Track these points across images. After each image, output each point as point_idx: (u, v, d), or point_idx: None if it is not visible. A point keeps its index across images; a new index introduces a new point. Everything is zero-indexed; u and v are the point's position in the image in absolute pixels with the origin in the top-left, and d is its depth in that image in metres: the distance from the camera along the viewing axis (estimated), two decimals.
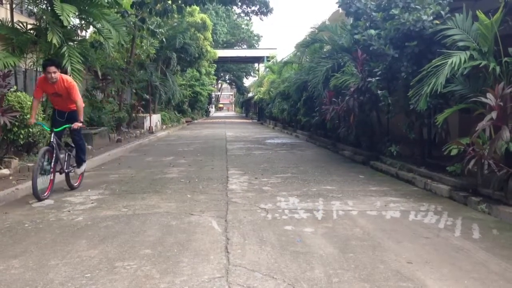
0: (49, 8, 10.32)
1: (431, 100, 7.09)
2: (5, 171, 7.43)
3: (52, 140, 6.53)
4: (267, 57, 38.44)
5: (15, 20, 10.53)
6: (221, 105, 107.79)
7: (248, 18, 52.49)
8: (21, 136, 8.08)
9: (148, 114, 20.84)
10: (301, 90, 16.06)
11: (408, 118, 8.58)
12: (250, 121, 42.29)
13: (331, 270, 3.62)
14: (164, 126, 24.14)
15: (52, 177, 6.50)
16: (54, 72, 6.46)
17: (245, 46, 56.76)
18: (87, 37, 16.20)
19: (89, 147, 11.32)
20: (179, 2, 14.99)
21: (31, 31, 10.47)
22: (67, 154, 7.03)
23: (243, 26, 57.66)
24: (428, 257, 3.92)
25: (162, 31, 20.63)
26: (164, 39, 21.27)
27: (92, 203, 6.14)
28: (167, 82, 24.09)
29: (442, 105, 7.40)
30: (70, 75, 9.72)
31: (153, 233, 4.67)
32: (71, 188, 7.01)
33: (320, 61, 12.92)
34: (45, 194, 6.27)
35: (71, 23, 11.03)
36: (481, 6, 7.04)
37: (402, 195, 6.59)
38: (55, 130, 6.61)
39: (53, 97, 6.83)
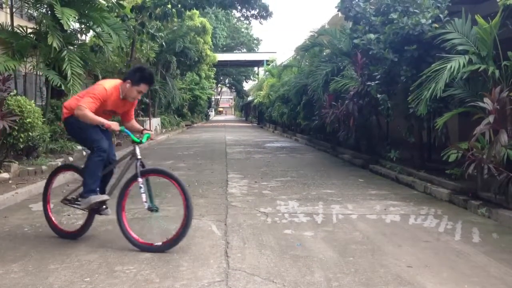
0: (49, 12, 10.37)
1: (430, 104, 7.10)
2: (5, 175, 7.42)
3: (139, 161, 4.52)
4: (267, 60, 38.47)
5: (15, 24, 10.57)
6: (220, 109, 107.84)
7: (247, 22, 52.68)
8: (21, 140, 8.08)
9: (148, 118, 20.86)
10: (300, 93, 16.09)
11: (407, 122, 8.59)
12: (250, 124, 42.31)
13: (330, 274, 3.62)
14: (164, 130, 24.15)
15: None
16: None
17: (244, 50, 56.85)
18: (87, 41, 16.24)
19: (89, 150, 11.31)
20: (179, 6, 15.05)
21: (31, 35, 10.51)
22: None
23: (242, 30, 57.75)
24: (428, 261, 3.92)
25: (162, 35, 20.67)
26: (163, 43, 21.32)
27: None
28: (167, 86, 24.12)
29: (441, 109, 7.41)
30: (70, 79, 9.76)
31: None
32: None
33: (319, 65, 12.97)
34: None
35: (71, 27, 11.08)
36: (480, 10, 7.06)
37: (402, 199, 6.59)
38: (142, 141, 4.83)
39: (102, 114, 4.74)
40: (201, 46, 27.46)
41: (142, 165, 4.51)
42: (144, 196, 4.33)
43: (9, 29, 10.30)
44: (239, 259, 3.97)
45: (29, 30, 10.61)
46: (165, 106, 27.37)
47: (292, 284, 3.41)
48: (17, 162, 8.07)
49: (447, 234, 4.79)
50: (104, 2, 12.80)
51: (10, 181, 7.36)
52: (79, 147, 10.93)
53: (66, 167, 5.61)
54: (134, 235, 4.34)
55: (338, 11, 10.25)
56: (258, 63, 47.46)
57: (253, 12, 19.39)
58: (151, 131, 4.96)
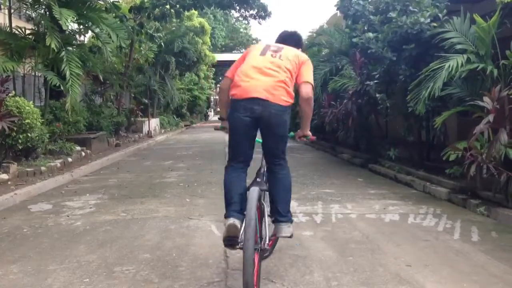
0: (47, 13, 10.36)
1: (429, 103, 7.10)
2: (4, 176, 7.41)
3: None
4: None
5: (13, 25, 10.55)
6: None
7: (246, 22, 52.73)
8: (20, 141, 8.07)
9: (147, 118, 20.83)
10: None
11: (406, 121, 8.59)
12: None
13: (330, 273, 3.61)
14: (163, 130, 24.13)
15: None
16: None
17: (243, 50, 56.77)
18: (85, 42, 16.25)
19: (88, 151, 11.32)
20: (177, 6, 15.04)
21: (30, 36, 10.50)
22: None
23: (241, 30, 57.76)
24: (427, 260, 3.92)
25: (161, 35, 20.65)
26: (162, 44, 21.29)
27: (90, 207, 6.13)
28: (166, 86, 24.10)
29: (440, 108, 7.41)
30: (69, 80, 9.76)
31: (152, 238, 4.66)
32: None
33: (318, 65, 12.94)
34: None
35: (70, 27, 11.08)
36: (478, 8, 7.06)
37: (401, 198, 6.59)
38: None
39: None
40: (199, 47, 27.42)
41: None
42: None
43: (8, 30, 10.29)
44: (238, 259, 3.95)
45: (28, 31, 10.60)
46: (164, 106, 27.37)
47: (291, 284, 3.40)
48: (16, 163, 8.06)
49: (446, 233, 4.78)
50: (102, 3, 12.79)
51: (9, 182, 7.36)
52: (78, 148, 10.91)
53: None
54: None
55: (337, 9, 10.25)
56: None
57: (251, 12, 19.38)
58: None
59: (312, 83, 3.48)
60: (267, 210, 3.53)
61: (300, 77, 3.45)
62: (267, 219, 3.44)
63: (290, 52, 3.52)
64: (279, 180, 3.64)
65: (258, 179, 3.55)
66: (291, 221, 3.55)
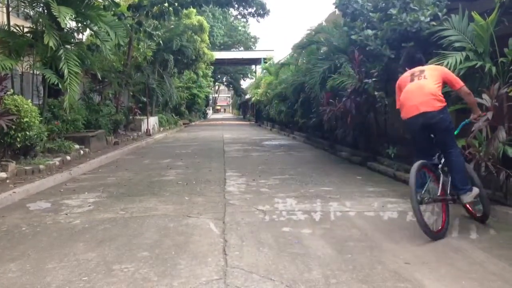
0: (45, 11, 10.35)
1: None
2: (2, 175, 7.41)
3: None
4: (264, 58, 38.44)
5: (11, 23, 10.53)
6: (218, 107, 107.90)
7: (245, 20, 52.72)
8: (18, 140, 8.07)
9: (146, 117, 20.81)
10: (298, 91, 16.06)
11: None
12: (248, 123, 42.30)
13: (328, 271, 3.62)
14: (162, 129, 24.12)
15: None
16: None
17: (242, 48, 56.79)
18: (83, 40, 16.23)
19: (86, 149, 11.31)
20: (176, 4, 15.01)
21: (28, 34, 10.48)
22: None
23: (240, 28, 57.68)
24: (425, 258, 3.92)
25: (159, 33, 20.63)
26: (161, 42, 21.27)
27: (89, 206, 6.13)
28: (164, 84, 24.09)
29: None
30: (67, 78, 9.75)
31: (150, 236, 4.66)
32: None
33: (316, 63, 12.93)
34: None
35: (68, 25, 11.07)
36: (477, 6, 7.05)
37: (399, 196, 6.59)
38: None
39: None
40: (198, 45, 27.39)
41: None
42: None
43: (6, 28, 10.27)
44: (237, 257, 3.97)
45: (26, 29, 10.58)
46: (163, 104, 27.36)
47: (290, 282, 3.41)
48: (14, 162, 8.05)
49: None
50: (100, 1, 12.77)
51: (7, 181, 7.35)
52: (77, 146, 10.90)
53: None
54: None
55: (335, 7, 10.22)
56: (256, 61, 47.42)
57: (250, 10, 19.35)
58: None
59: (461, 83, 5.03)
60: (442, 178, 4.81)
61: (454, 85, 5.01)
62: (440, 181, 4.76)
63: (429, 70, 5.05)
64: (451, 163, 4.77)
65: (433, 157, 4.91)
66: (470, 190, 4.72)
